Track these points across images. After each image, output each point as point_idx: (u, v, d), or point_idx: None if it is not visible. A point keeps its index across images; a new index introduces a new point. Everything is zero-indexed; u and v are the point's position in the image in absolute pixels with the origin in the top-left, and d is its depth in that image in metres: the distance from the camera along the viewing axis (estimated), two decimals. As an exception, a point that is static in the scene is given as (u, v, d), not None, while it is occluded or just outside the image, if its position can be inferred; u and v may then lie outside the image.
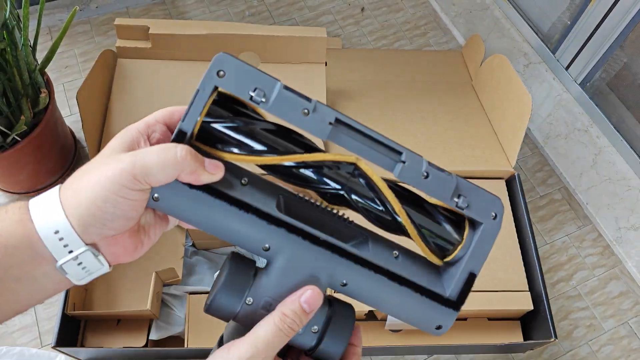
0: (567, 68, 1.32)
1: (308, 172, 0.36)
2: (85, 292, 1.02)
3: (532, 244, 1.06)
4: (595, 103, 1.27)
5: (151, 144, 0.34)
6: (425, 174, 0.35)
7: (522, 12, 1.43)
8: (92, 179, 0.30)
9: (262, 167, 0.36)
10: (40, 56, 1.10)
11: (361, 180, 0.36)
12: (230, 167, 0.36)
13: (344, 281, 0.36)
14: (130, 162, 0.30)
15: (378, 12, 1.64)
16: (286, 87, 0.34)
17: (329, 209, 0.38)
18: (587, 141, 1.29)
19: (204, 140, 0.35)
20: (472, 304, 1.01)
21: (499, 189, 1.15)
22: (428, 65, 1.42)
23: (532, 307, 1.01)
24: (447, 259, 0.39)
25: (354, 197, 0.37)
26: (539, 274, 1.03)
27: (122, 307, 1.00)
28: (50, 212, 0.30)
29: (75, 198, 0.30)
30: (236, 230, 0.35)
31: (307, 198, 0.38)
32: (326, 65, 1.21)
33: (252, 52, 1.18)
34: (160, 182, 0.31)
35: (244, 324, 0.36)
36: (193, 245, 1.11)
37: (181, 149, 0.31)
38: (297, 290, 0.34)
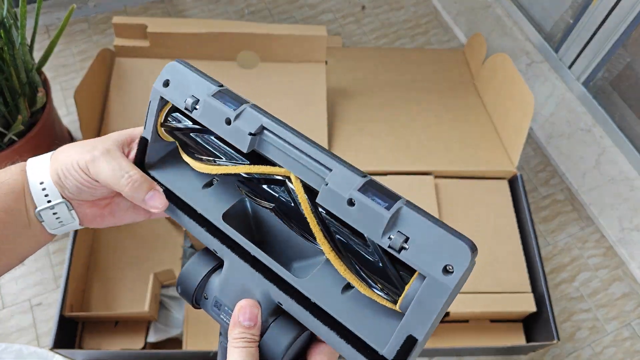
0: (569, 67, 1.31)
1: (250, 183, 0.34)
2: (82, 294, 1.01)
3: (535, 245, 1.05)
4: (598, 102, 1.26)
5: (128, 155, 0.40)
6: (349, 200, 0.28)
7: (525, 10, 1.42)
8: (70, 154, 0.38)
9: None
10: (37, 55, 1.09)
11: (290, 198, 0.31)
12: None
13: (279, 301, 0.33)
14: (90, 159, 0.37)
15: (379, 10, 1.63)
16: (220, 92, 0.33)
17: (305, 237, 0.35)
18: (590, 141, 1.28)
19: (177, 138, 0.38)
20: (474, 305, 1.00)
21: (502, 189, 1.14)
22: (429, 64, 1.41)
23: (534, 309, 1.00)
24: (397, 307, 0.30)
25: (283, 215, 0.32)
26: (542, 275, 1.02)
27: (120, 308, 0.99)
28: (40, 167, 0.38)
29: (57, 162, 0.38)
30: (190, 230, 0.37)
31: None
32: (326, 64, 1.20)
33: (251, 51, 1.17)
34: (108, 188, 0.38)
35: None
36: (192, 246, 1.10)
37: (127, 178, 0.36)
38: (236, 297, 0.35)
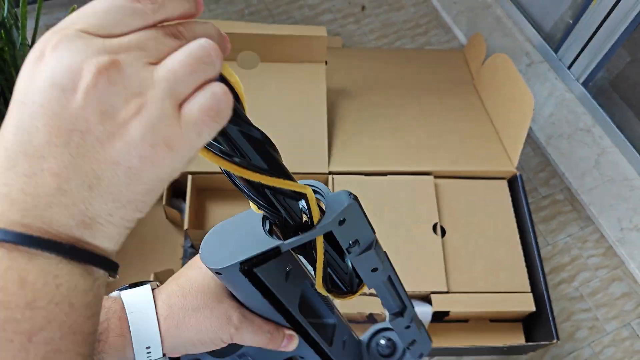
0: (569, 67, 1.31)
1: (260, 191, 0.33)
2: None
3: (534, 245, 1.06)
4: (598, 103, 1.26)
5: None
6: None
7: (524, 10, 1.42)
8: (201, 325, 0.38)
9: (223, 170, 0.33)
10: (38, 55, 1.09)
11: (304, 213, 0.33)
12: (286, 253, 0.37)
13: (304, 357, 0.43)
14: (235, 332, 0.38)
15: (379, 10, 1.63)
16: (377, 243, 0.37)
17: (323, 295, 0.43)
18: (589, 141, 1.28)
19: None
20: (474, 305, 1.00)
21: (501, 190, 1.15)
22: (429, 65, 1.41)
23: (534, 309, 1.00)
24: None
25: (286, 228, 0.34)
26: (541, 275, 1.02)
27: None
28: (149, 336, 0.37)
29: (178, 332, 0.37)
30: (263, 313, 0.40)
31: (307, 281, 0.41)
32: (326, 64, 1.20)
33: (251, 51, 1.17)
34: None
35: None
36: (192, 246, 1.10)
37: (269, 338, 0.39)
38: (272, 354, 0.41)
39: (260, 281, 0.35)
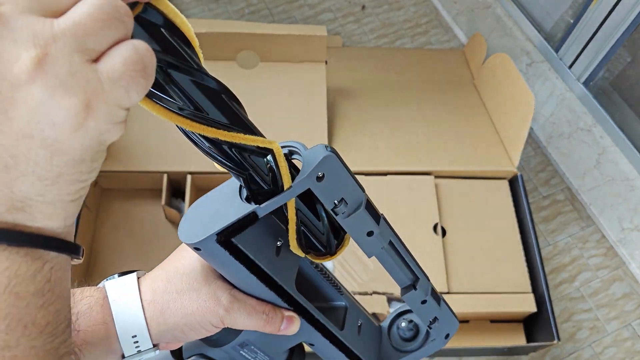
0: (570, 67, 1.30)
1: (223, 148, 0.30)
2: (82, 294, 1.00)
3: (535, 245, 1.05)
4: (599, 102, 1.25)
5: None
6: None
7: (525, 10, 1.42)
8: (187, 309, 0.35)
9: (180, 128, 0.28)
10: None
11: (270, 170, 0.31)
12: (271, 224, 0.35)
13: (313, 344, 0.40)
14: (225, 314, 0.35)
15: (379, 10, 1.63)
16: (368, 203, 0.34)
17: (327, 275, 0.41)
18: (590, 141, 1.28)
19: None
20: (475, 306, 1.00)
21: (502, 190, 1.14)
22: (429, 64, 1.41)
23: (535, 309, 1.00)
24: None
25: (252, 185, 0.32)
26: (542, 276, 1.02)
27: None
28: (133, 323, 0.34)
29: (163, 317, 0.35)
30: (259, 293, 0.36)
31: (310, 262, 0.39)
32: (326, 64, 1.20)
33: (251, 51, 1.16)
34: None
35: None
36: (192, 246, 1.10)
37: (265, 319, 0.36)
38: (275, 340, 0.39)
39: (243, 254, 0.32)
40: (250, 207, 0.31)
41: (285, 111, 1.14)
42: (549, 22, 1.37)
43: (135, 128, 1.08)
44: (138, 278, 0.36)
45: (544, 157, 1.38)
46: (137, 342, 0.34)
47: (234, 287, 0.36)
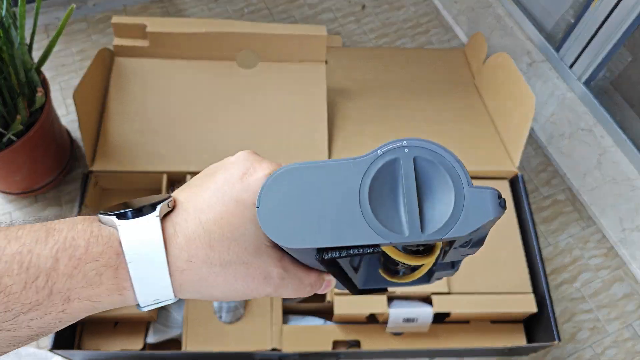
0: (570, 67, 1.30)
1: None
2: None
3: (536, 245, 1.05)
4: (600, 102, 1.25)
5: None
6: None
7: (526, 10, 1.42)
8: (231, 285, 0.29)
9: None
10: (36, 55, 1.08)
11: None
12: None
13: None
14: (274, 290, 0.31)
15: (379, 9, 1.63)
16: None
17: None
18: (591, 141, 1.28)
19: None
20: (475, 306, 0.99)
21: (503, 189, 1.14)
22: (430, 64, 1.40)
23: (535, 310, 1.00)
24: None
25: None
26: (543, 276, 1.02)
27: (120, 308, 0.99)
28: (158, 293, 0.29)
29: (195, 287, 0.29)
30: (312, 263, 0.33)
31: None
32: (326, 64, 1.19)
33: (251, 51, 1.16)
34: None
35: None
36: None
37: (310, 289, 0.33)
38: None
39: (337, 264, 0.28)
40: (378, 239, 0.26)
41: (285, 111, 1.14)
42: (549, 22, 1.37)
43: (135, 128, 1.08)
44: (163, 229, 0.28)
45: (544, 157, 1.38)
46: (159, 301, 0.29)
47: (285, 253, 0.31)
